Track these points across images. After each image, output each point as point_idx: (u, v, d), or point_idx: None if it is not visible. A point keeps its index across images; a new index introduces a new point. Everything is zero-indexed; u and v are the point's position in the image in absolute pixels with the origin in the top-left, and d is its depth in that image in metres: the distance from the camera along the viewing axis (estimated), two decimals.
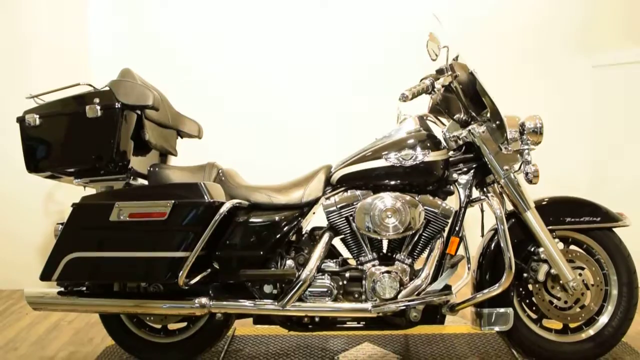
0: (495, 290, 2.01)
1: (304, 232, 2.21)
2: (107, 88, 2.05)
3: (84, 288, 2.14)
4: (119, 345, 2.34)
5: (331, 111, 3.78)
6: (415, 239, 2.09)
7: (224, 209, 2.00)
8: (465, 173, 2.12)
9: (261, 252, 2.08)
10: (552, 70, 3.67)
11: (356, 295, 2.09)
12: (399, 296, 2.02)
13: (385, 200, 2.03)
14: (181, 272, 1.95)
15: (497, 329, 2.09)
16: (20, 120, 2.07)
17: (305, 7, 3.78)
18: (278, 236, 2.09)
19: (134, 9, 3.78)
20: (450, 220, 2.07)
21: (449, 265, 2.07)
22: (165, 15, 3.80)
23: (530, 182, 1.97)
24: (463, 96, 2.06)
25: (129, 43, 3.72)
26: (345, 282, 2.11)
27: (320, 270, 2.09)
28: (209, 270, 2.11)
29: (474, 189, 2.13)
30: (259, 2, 3.80)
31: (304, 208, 2.14)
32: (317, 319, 2.12)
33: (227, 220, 2.05)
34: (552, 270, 2.07)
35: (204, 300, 2.03)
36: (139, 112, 2.09)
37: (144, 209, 1.98)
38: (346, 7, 3.79)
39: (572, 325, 2.17)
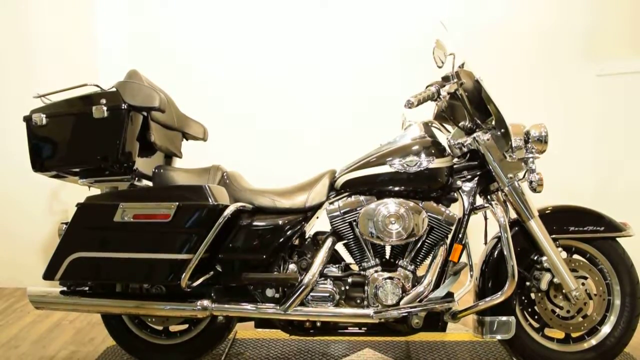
0: (498, 298, 2.01)
1: (307, 237, 2.22)
2: (114, 89, 2.06)
3: (87, 288, 2.14)
4: (120, 345, 2.34)
5: (336, 116, 3.77)
6: (419, 245, 2.09)
7: (227, 212, 2.01)
8: (470, 180, 2.12)
9: (264, 256, 2.08)
10: (557, 79, 3.66)
11: (358, 301, 2.09)
12: (401, 302, 2.02)
13: (389, 206, 2.03)
14: (184, 274, 1.96)
15: (499, 337, 2.09)
16: (27, 120, 2.08)
17: (306, 7, 3.77)
18: (281, 240, 2.09)
19: (140, 9, 3.78)
20: (453, 228, 2.07)
21: (451, 272, 2.07)
22: (171, 15, 3.81)
23: (534, 190, 1.97)
24: (468, 103, 2.06)
25: (136, 44, 3.73)
26: (347, 287, 2.11)
27: (322, 275, 2.09)
28: (212, 272, 2.11)
29: (477, 196, 2.13)
30: (260, 2, 3.80)
31: (307, 212, 2.14)
32: (318, 324, 2.12)
33: (230, 223, 2.05)
34: (555, 279, 2.07)
35: (206, 302, 2.03)
36: (145, 113, 2.10)
37: (148, 210, 1.99)
38: (348, 6, 3.78)
39: (574, 335, 2.16)
